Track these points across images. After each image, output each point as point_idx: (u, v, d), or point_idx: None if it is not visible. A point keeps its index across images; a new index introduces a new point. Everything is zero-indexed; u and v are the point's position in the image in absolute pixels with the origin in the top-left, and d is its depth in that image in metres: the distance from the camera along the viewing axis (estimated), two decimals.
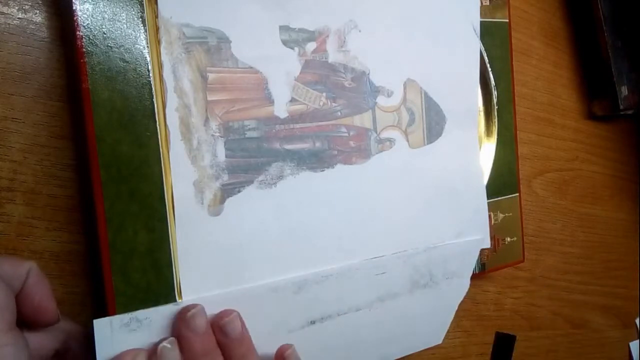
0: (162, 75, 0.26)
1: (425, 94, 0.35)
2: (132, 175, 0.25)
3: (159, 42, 0.26)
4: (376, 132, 0.34)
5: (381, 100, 0.34)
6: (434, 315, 0.37)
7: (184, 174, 0.27)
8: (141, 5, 0.26)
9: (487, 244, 0.39)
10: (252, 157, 0.29)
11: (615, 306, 0.59)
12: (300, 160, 0.30)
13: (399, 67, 0.34)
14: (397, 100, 0.34)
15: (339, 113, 0.32)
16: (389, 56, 0.34)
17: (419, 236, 0.35)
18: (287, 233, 0.30)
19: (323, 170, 0.31)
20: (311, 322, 0.31)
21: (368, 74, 0.33)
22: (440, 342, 0.38)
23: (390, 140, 0.34)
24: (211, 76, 0.27)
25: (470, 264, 0.38)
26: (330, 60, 0.31)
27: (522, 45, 0.49)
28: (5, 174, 0.26)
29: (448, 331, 0.38)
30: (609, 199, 0.58)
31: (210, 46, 0.27)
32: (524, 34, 0.49)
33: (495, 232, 0.41)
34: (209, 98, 0.27)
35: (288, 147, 0.30)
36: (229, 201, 0.28)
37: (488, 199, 0.39)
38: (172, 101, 0.26)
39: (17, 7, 0.26)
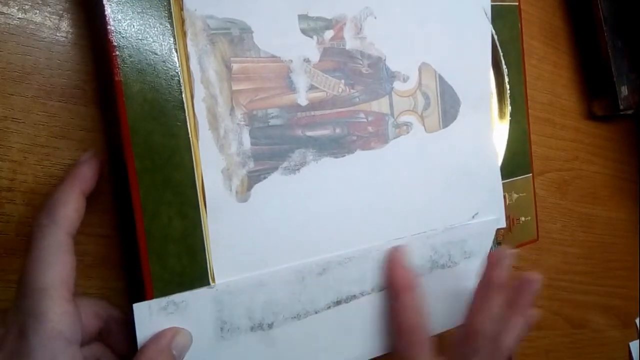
0: (189, 67, 0.27)
1: (440, 77, 0.36)
2: (165, 164, 0.26)
3: (184, 34, 0.26)
4: (393, 117, 0.34)
5: (397, 85, 0.34)
6: (453, 295, 0.38)
7: (213, 162, 0.28)
8: None
9: (502, 223, 0.40)
10: (275, 145, 0.30)
11: (615, 306, 0.59)
12: (322, 147, 0.31)
13: (414, 51, 0.35)
14: (412, 85, 0.35)
15: (357, 99, 0.33)
16: (403, 41, 0.34)
17: (437, 218, 0.36)
18: (310, 217, 0.31)
19: (344, 156, 0.32)
20: (337, 302, 0.32)
21: (384, 59, 0.33)
22: (459, 322, 0.38)
23: (407, 125, 0.35)
24: (235, 66, 0.28)
25: (487, 244, 0.39)
26: (347, 47, 0.32)
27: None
28: (5, 174, 0.26)
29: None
30: (609, 199, 0.58)
31: (234, 37, 0.28)
32: (524, 34, 0.49)
33: (510, 212, 0.42)
34: (234, 88, 0.28)
35: (309, 133, 0.31)
36: (256, 187, 0.29)
37: (503, 180, 0.40)
38: (199, 92, 0.27)
39: (17, 7, 0.26)
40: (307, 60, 0.30)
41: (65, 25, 0.27)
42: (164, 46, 0.26)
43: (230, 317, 0.28)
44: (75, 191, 0.24)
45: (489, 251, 0.39)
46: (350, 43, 0.32)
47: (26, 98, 0.26)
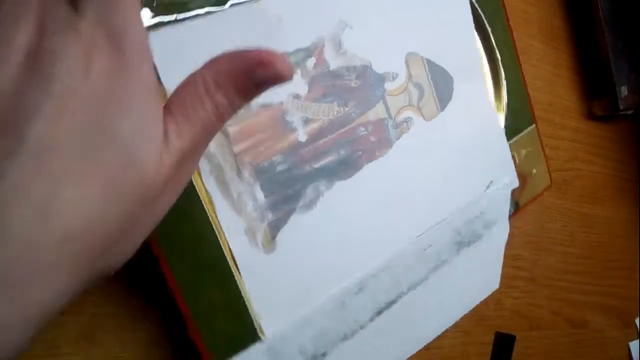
0: None
1: (428, 62, 0.35)
2: (191, 247, 0.27)
3: None
4: (392, 119, 0.34)
5: (388, 85, 0.34)
6: (485, 264, 0.40)
7: (234, 227, 0.28)
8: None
9: (515, 183, 0.41)
10: (288, 189, 0.30)
11: (615, 306, 0.59)
12: (331, 173, 0.32)
13: (397, 46, 0.34)
14: (402, 80, 0.35)
15: (353, 114, 0.33)
16: (384, 40, 0.34)
17: (454, 200, 0.37)
18: (336, 243, 0.32)
19: (353, 175, 0.33)
20: (378, 312, 0.34)
21: (370, 65, 0.33)
22: (497, 286, 0.41)
23: (407, 121, 0.35)
24: (232, 130, 0.28)
25: (505, 208, 0.40)
26: (332, 67, 0.31)
27: (522, 45, 0.49)
28: None
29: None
30: (609, 199, 0.58)
31: None
32: (523, 34, 0.49)
33: (521, 169, 0.42)
34: (236, 151, 0.28)
35: (317, 165, 0.31)
36: (279, 235, 0.30)
37: (508, 140, 0.40)
38: (204, 166, 0.27)
39: None
40: (297, 97, 0.30)
41: None
42: None
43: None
44: None
45: (509, 213, 0.40)
46: (334, 63, 0.31)
47: None
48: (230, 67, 0.18)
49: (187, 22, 0.26)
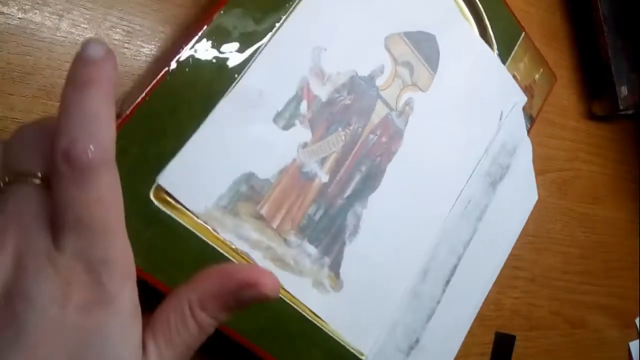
0: (235, 249, 0.28)
1: (406, 34, 0.35)
2: (280, 332, 0.29)
3: (216, 231, 0.27)
4: (395, 109, 0.34)
5: (379, 81, 0.34)
6: (520, 186, 0.41)
7: (303, 289, 0.31)
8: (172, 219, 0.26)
9: (524, 98, 0.41)
10: (331, 228, 0.32)
11: (615, 306, 0.59)
12: (361, 193, 0.33)
13: (371, 39, 0.34)
14: (390, 68, 0.34)
15: (359, 128, 0.33)
16: (358, 41, 0.33)
17: (476, 148, 0.39)
18: (390, 248, 0.34)
19: (380, 182, 0.34)
20: (447, 282, 0.37)
21: (356, 74, 0.33)
22: (536, 197, 0.43)
23: (408, 103, 0.35)
24: (264, 211, 0.29)
25: (522, 128, 0.42)
26: (324, 99, 0.31)
27: None
28: None
29: None
30: (609, 199, 0.58)
31: (246, 192, 0.28)
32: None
33: (524, 81, 0.42)
34: (275, 225, 0.30)
35: (346, 194, 0.33)
36: (341, 272, 0.32)
37: (504, 63, 0.40)
38: (256, 255, 0.29)
39: (17, 7, 0.26)
40: (305, 145, 0.31)
41: (65, 25, 0.27)
42: (208, 254, 0.27)
43: None
44: (112, 102, 0.17)
45: (526, 130, 0.42)
46: (324, 93, 0.31)
47: (26, 98, 0.26)
48: (218, 288, 0.18)
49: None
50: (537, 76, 0.43)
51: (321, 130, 0.31)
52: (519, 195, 0.42)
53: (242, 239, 0.28)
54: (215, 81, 0.27)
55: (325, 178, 0.32)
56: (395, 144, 0.35)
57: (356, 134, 0.33)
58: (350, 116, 0.33)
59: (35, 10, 0.26)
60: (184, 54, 0.26)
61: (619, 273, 0.59)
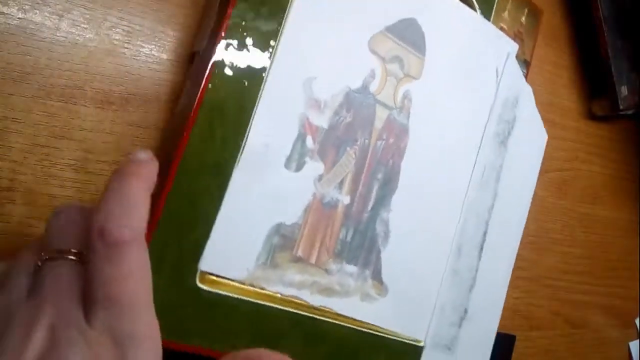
0: (283, 297, 0.30)
1: (387, 28, 0.34)
2: (342, 354, 0.32)
3: (263, 289, 0.29)
4: (394, 107, 0.35)
5: (373, 87, 0.34)
6: (528, 130, 0.42)
7: (354, 305, 0.33)
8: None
9: (515, 46, 0.41)
10: (364, 243, 0.34)
11: (615, 306, 0.59)
12: (384, 198, 0.34)
13: (355, 47, 0.33)
14: (379, 70, 0.34)
15: (366, 140, 0.34)
16: (344, 55, 0.33)
17: (480, 114, 0.39)
18: (421, 240, 0.36)
19: (397, 183, 0.35)
20: (480, 249, 0.39)
21: (349, 89, 0.33)
22: (546, 135, 0.44)
23: (406, 97, 0.35)
24: (300, 252, 0.31)
25: (519, 77, 0.42)
26: (326, 126, 0.32)
27: None
28: (5, 174, 0.26)
29: None
30: (609, 199, 0.58)
31: (278, 242, 0.30)
32: None
33: (512, 29, 0.42)
34: (313, 261, 0.32)
35: (370, 206, 0.34)
36: (384, 277, 0.34)
37: (489, 18, 0.40)
38: (304, 294, 0.31)
39: (17, 7, 0.26)
40: (320, 177, 0.32)
41: (65, 25, 0.27)
42: (260, 313, 0.29)
43: (446, 340, 0.37)
44: (148, 194, 0.19)
45: (523, 76, 0.42)
46: (324, 121, 0.32)
47: (26, 98, 0.26)
48: None
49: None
50: (523, 19, 0.43)
51: (331, 156, 0.32)
52: (530, 141, 0.42)
53: (288, 286, 0.30)
54: (221, 164, 0.28)
55: (346, 200, 0.33)
56: (402, 140, 0.35)
57: (364, 147, 0.34)
58: (355, 132, 0.33)
59: (35, 10, 0.26)
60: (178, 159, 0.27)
61: (619, 273, 0.59)
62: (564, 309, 0.53)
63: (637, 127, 0.60)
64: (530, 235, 0.49)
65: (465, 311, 0.38)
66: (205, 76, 0.27)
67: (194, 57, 0.30)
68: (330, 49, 0.32)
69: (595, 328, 0.56)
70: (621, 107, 0.51)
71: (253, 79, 0.29)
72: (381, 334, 0.34)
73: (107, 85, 0.28)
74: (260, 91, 0.29)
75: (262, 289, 0.29)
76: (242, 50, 0.28)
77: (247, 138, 0.29)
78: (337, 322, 0.32)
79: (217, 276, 0.28)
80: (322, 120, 0.32)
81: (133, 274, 0.18)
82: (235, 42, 0.28)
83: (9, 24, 0.26)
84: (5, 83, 0.26)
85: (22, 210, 0.26)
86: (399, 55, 0.35)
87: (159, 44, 0.30)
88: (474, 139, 0.39)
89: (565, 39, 0.53)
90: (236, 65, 0.28)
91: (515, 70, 0.41)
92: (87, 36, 0.28)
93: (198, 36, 0.30)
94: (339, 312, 0.32)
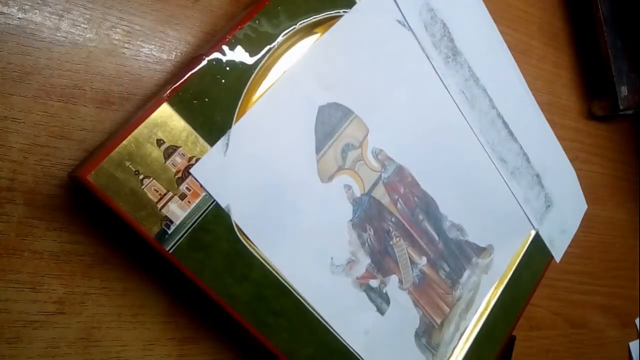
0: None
1: (320, 154, 0.31)
2: None
3: None
4: (379, 171, 0.34)
5: (358, 192, 0.33)
6: (468, 17, 0.40)
7: (492, 277, 0.41)
8: None
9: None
10: (455, 253, 0.39)
11: (615, 306, 0.59)
12: (437, 222, 0.38)
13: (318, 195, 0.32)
14: (349, 178, 0.33)
15: (391, 217, 0.35)
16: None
17: (435, 81, 0.38)
18: (476, 190, 0.40)
19: (434, 199, 0.38)
20: (511, 134, 0.42)
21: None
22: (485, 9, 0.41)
23: (377, 154, 0.34)
24: (439, 321, 0.38)
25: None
26: (369, 259, 0.34)
27: (522, 45, 0.49)
28: (5, 174, 0.26)
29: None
30: (609, 199, 0.58)
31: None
32: (523, 34, 0.49)
33: None
34: (447, 312, 0.39)
35: (436, 237, 0.38)
36: (480, 244, 0.40)
37: None
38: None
39: (17, 7, 0.26)
40: (400, 285, 0.35)
41: (65, 25, 0.27)
42: None
43: (542, 205, 0.45)
44: None
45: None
46: (363, 257, 0.34)
47: (26, 98, 0.26)
48: None
49: None
50: None
51: (389, 263, 0.35)
52: (476, 28, 0.40)
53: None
54: None
55: (423, 260, 0.37)
56: (406, 177, 0.36)
57: (394, 223, 0.35)
58: (381, 226, 0.34)
59: (35, 10, 0.26)
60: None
61: (619, 273, 0.59)
62: (564, 309, 0.53)
63: (637, 127, 0.60)
64: None
65: (537, 175, 0.44)
66: None
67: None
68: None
69: (595, 328, 0.56)
70: (621, 107, 0.51)
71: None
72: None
73: (107, 85, 0.28)
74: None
75: None
76: None
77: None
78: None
79: None
80: (361, 262, 0.33)
81: None
82: None
83: (9, 24, 0.26)
84: (5, 83, 0.26)
85: (22, 210, 0.26)
86: (345, 145, 0.32)
87: (159, 44, 0.30)
88: (444, 99, 0.38)
89: (565, 39, 0.53)
90: None
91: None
92: (87, 36, 0.28)
93: None
94: (490, 291, 0.40)
